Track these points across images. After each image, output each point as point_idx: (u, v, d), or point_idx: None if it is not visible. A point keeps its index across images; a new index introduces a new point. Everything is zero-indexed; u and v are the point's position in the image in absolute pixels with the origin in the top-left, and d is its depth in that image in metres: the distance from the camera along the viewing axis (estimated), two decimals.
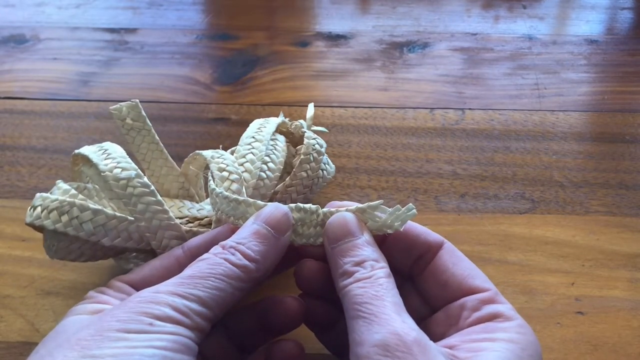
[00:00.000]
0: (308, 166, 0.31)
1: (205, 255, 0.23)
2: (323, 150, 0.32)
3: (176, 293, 0.21)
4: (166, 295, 0.21)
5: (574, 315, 0.31)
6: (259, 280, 0.24)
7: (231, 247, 0.23)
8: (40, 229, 0.27)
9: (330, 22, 0.53)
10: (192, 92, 0.46)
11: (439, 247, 0.25)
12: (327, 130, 0.36)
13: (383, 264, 0.24)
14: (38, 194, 0.27)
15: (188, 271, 0.22)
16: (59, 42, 0.51)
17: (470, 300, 0.24)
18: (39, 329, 0.31)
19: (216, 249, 0.24)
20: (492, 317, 0.23)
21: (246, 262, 0.23)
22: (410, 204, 0.25)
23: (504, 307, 0.23)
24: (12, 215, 0.36)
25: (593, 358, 0.29)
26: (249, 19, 0.54)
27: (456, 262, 0.25)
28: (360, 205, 0.25)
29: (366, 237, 0.24)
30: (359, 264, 0.23)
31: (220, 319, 0.27)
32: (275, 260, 0.24)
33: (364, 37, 0.51)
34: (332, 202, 0.27)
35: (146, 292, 0.22)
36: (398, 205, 0.25)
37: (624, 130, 0.42)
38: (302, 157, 0.31)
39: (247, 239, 0.24)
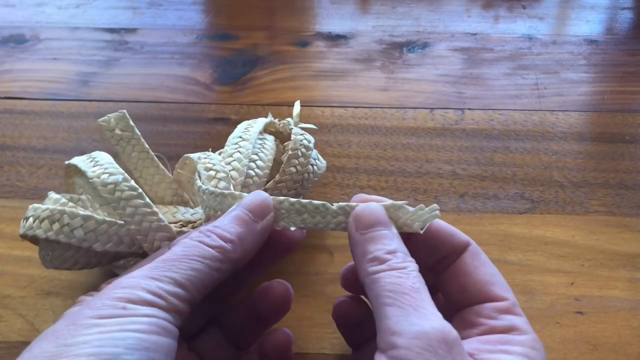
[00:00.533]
0: (297, 161, 0.31)
1: (181, 241, 0.23)
2: (311, 145, 0.32)
3: (150, 276, 0.21)
4: (140, 279, 0.21)
5: (574, 315, 0.31)
6: (239, 261, 0.23)
7: (208, 230, 0.23)
8: (33, 239, 0.28)
9: (330, 22, 0.53)
10: (192, 92, 0.46)
11: (464, 248, 0.25)
12: (315, 127, 0.36)
13: (413, 259, 0.23)
14: (30, 206, 0.28)
15: (163, 256, 0.22)
16: (59, 42, 0.51)
17: (486, 307, 0.23)
18: (39, 329, 0.31)
19: (193, 233, 0.24)
20: (508, 330, 0.23)
21: (221, 243, 0.23)
22: (435, 204, 0.24)
23: (519, 319, 0.23)
24: (12, 215, 0.36)
25: (593, 358, 0.29)
26: (249, 19, 0.54)
27: (478, 266, 0.24)
28: (384, 202, 0.25)
29: (395, 231, 0.24)
30: (391, 252, 0.23)
31: (215, 317, 0.27)
32: (254, 242, 0.24)
33: (363, 37, 0.51)
34: (359, 195, 0.26)
35: (120, 279, 0.22)
36: (422, 205, 0.24)
37: (624, 130, 0.42)
38: (289, 152, 0.31)
39: (224, 223, 0.24)
